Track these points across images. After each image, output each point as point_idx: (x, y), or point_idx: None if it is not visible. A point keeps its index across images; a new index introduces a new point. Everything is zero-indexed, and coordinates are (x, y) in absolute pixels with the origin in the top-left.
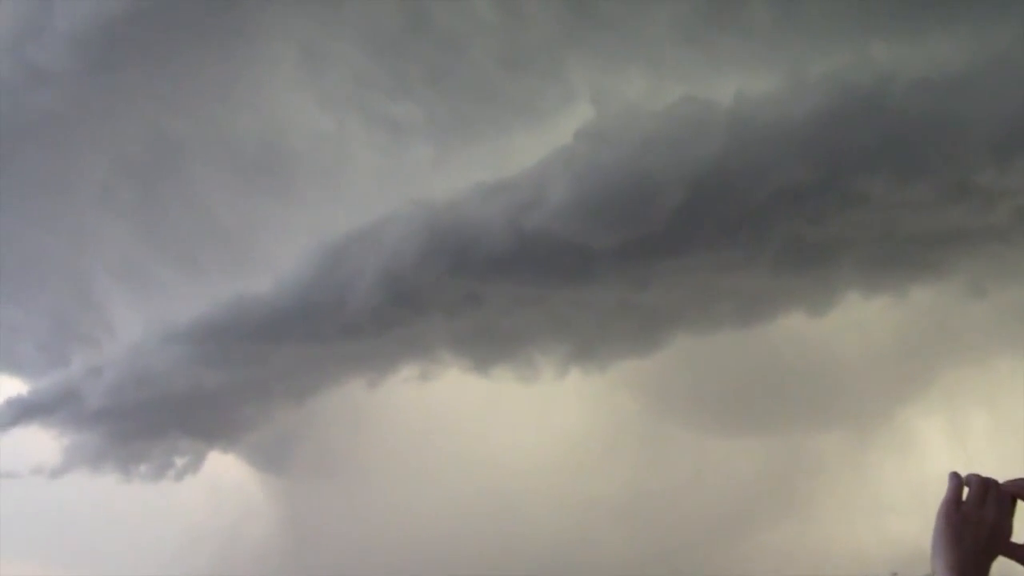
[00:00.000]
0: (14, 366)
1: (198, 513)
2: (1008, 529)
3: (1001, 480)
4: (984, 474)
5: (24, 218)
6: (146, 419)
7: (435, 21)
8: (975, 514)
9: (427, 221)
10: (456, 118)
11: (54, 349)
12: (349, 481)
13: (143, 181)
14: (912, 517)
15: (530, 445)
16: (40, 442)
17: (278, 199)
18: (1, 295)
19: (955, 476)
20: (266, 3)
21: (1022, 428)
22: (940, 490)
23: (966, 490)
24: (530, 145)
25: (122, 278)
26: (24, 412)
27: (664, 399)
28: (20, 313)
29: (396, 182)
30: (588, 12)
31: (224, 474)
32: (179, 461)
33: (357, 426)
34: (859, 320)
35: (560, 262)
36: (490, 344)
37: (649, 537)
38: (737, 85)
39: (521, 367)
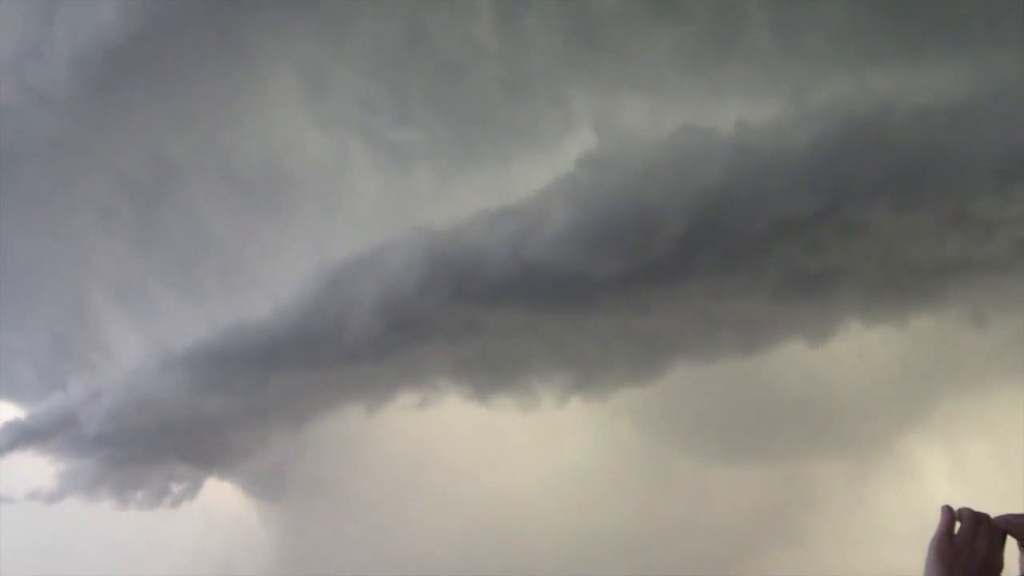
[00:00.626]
0: (10, 391)
1: (194, 540)
2: (999, 563)
3: (992, 515)
4: (976, 508)
5: (22, 240)
6: (143, 445)
7: (437, 46)
8: (967, 547)
9: (428, 247)
10: (457, 144)
11: (51, 374)
12: (346, 509)
13: (143, 204)
14: (911, 547)
15: (530, 474)
16: (36, 467)
17: (278, 223)
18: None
19: (947, 510)
20: (267, 26)
21: (1022, 457)
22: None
23: (958, 524)
24: (532, 172)
25: (121, 301)
26: (21, 437)
27: (665, 427)
28: (17, 336)
29: (397, 207)
30: (589, 39)
31: (221, 501)
32: (176, 487)
33: (355, 453)
34: (859, 349)
35: (561, 289)
36: (490, 372)
37: (650, 567)
38: (738, 113)
39: (521, 395)
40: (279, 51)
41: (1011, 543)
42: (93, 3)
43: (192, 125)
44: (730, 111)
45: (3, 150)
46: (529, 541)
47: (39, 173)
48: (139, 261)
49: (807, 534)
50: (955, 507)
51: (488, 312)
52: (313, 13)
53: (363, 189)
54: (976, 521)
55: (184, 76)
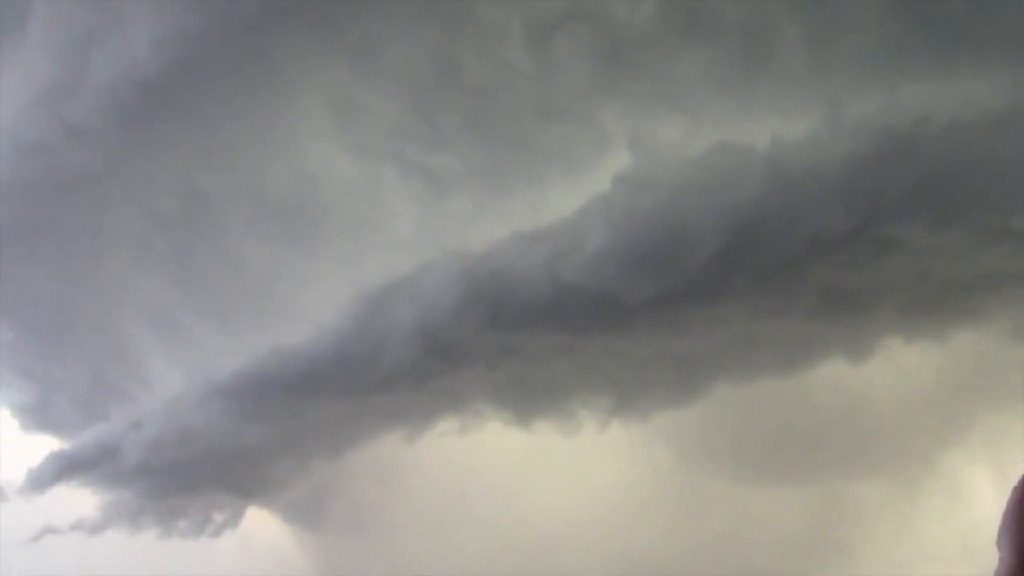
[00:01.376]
0: (53, 425)
1: (236, 569)
2: None
3: None
4: None
5: (59, 275)
6: (184, 475)
7: (467, 70)
8: None
9: (464, 271)
10: (491, 167)
11: (91, 407)
12: (385, 536)
13: (178, 236)
14: (959, 565)
15: (571, 500)
16: (80, 498)
17: (314, 251)
18: (39, 353)
19: None
20: (297, 56)
21: None
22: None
23: None
24: (567, 193)
25: (159, 333)
26: (65, 468)
27: (705, 449)
28: (56, 370)
29: (432, 233)
30: (621, 59)
31: (261, 530)
32: (218, 517)
33: (394, 481)
34: (900, 366)
35: (598, 312)
36: (531, 396)
37: None
38: (772, 129)
39: (563, 420)
40: (310, 80)
41: None
42: (126, 37)
43: (225, 157)
44: (764, 127)
45: (37, 185)
46: (571, 566)
47: (74, 207)
48: (176, 292)
49: (851, 553)
50: None
51: (526, 336)
52: (342, 41)
53: (397, 215)
54: None
55: (216, 108)
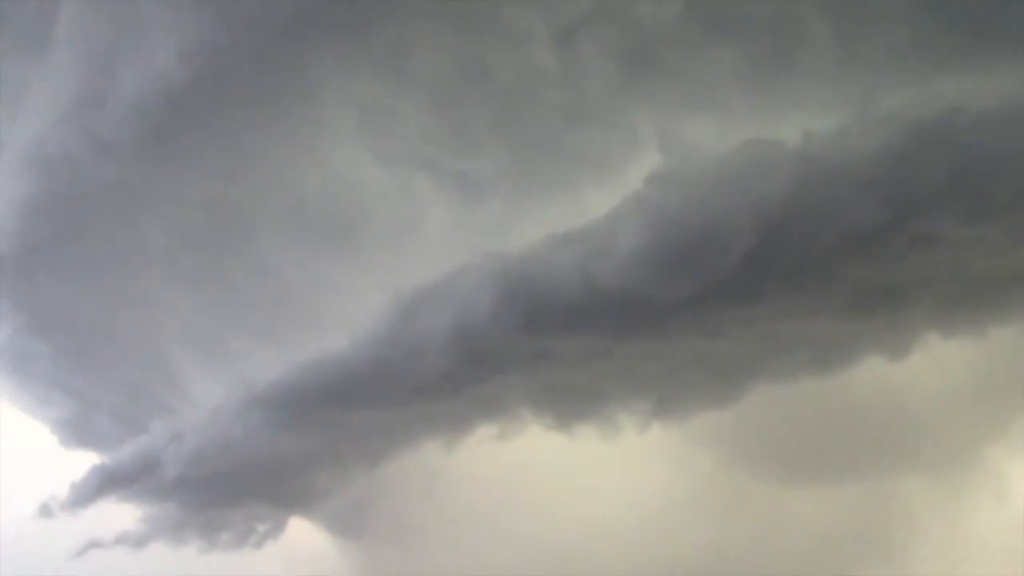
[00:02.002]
0: (92, 440)
1: None
2: None
3: None
4: None
5: (94, 290)
6: (226, 486)
7: (495, 75)
8: None
9: (499, 275)
10: (522, 171)
11: (131, 421)
12: (426, 543)
13: (211, 248)
14: (1009, 560)
15: (612, 504)
16: (123, 511)
17: (347, 259)
18: (77, 368)
19: None
20: (325, 64)
21: None
22: None
23: None
24: (599, 194)
25: (196, 345)
26: (107, 481)
27: (745, 450)
28: (95, 386)
29: (464, 238)
30: (648, 58)
31: (304, 540)
32: (260, 528)
33: (434, 488)
34: (940, 361)
35: (634, 314)
36: (570, 400)
37: None
38: (803, 125)
39: (603, 424)
40: (338, 88)
41: None
42: (152, 49)
43: (255, 167)
44: (795, 122)
45: (68, 199)
46: (612, 570)
47: (105, 221)
48: (211, 304)
49: (896, 551)
50: None
51: (562, 339)
52: (369, 48)
53: (430, 221)
54: None
55: (245, 118)
